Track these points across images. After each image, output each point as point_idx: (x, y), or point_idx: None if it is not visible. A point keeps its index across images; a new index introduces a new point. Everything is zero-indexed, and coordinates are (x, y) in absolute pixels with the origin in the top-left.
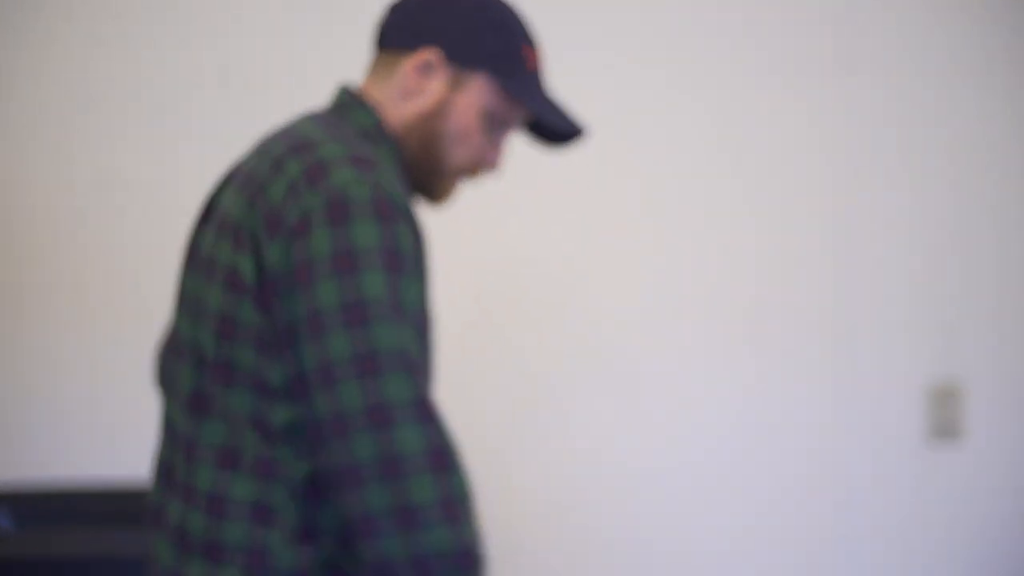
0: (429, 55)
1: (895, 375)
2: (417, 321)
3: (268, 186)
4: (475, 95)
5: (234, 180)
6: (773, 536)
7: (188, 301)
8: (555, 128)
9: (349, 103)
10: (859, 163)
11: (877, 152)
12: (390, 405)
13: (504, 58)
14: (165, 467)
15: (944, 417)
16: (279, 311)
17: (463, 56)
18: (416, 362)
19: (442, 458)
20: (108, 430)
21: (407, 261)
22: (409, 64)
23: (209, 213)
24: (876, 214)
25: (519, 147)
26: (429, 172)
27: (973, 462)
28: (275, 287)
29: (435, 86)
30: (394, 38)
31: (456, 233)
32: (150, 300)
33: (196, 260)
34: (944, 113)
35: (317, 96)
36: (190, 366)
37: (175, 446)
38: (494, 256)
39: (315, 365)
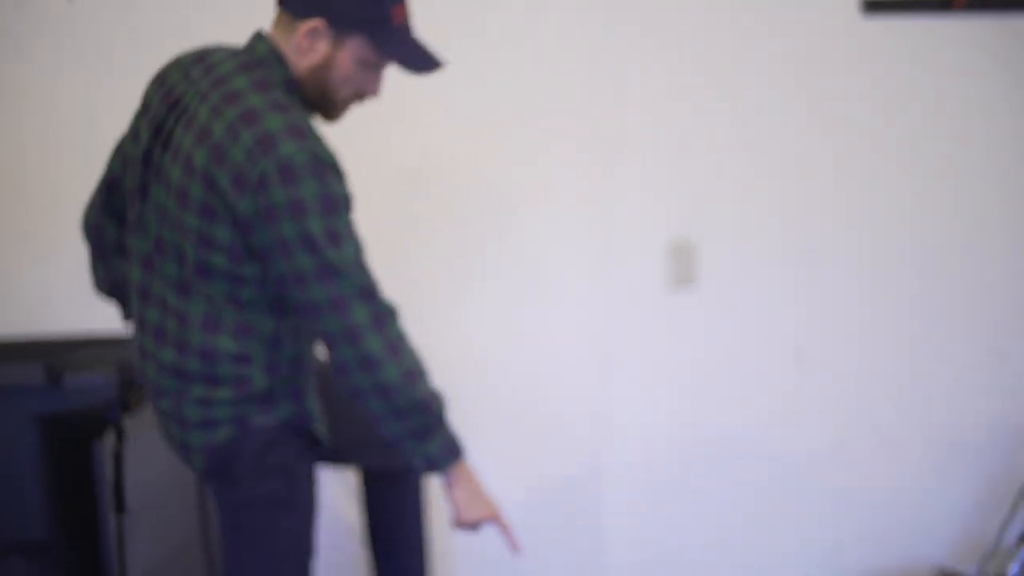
0: (316, 23)
1: (644, 234)
2: (347, 238)
3: (228, 150)
4: (351, 51)
5: (186, 122)
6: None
7: (157, 208)
8: (416, 67)
9: (268, 58)
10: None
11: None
12: (342, 295)
13: (374, 21)
14: (142, 320)
15: (681, 268)
16: (252, 238)
17: (341, 23)
18: (352, 267)
19: (382, 320)
20: None
21: (338, 201)
22: (302, 29)
23: (160, 133)
24: (635, 102)
25: None
26: (325, 106)
27: (704, 303)
28: (247, 225)
29: (321, 46)
30: (291, 5)
31: None
32: None
33: (163, 180)
34: None
35: None
36: (174, 261)
37: (163, 311)
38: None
39: (289, 273)
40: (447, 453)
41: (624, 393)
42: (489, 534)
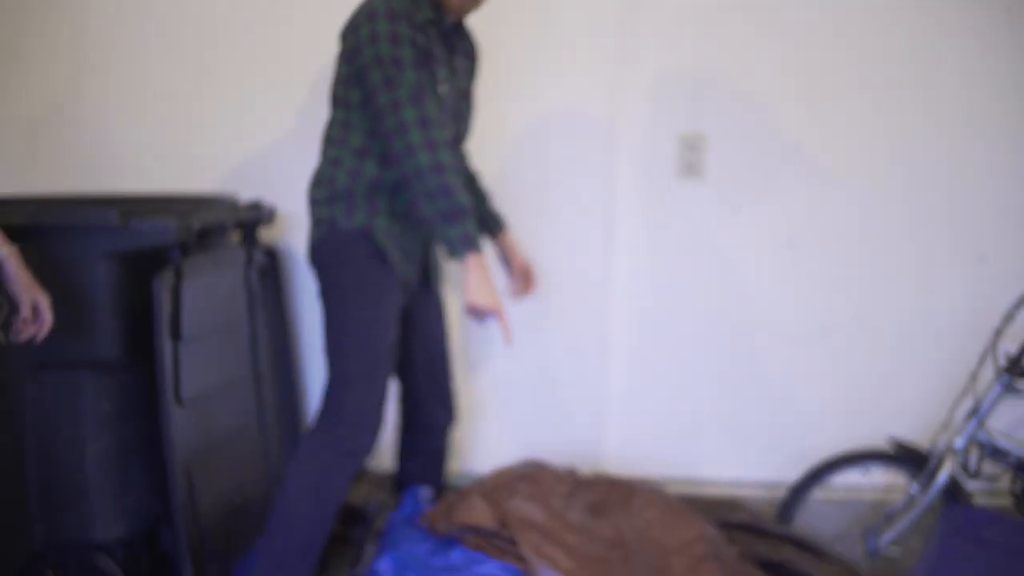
0: None
1: (657, 128)
2: (409, 65)
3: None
4: None
5: None
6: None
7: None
8: None
9: None
10: None
11: None
12: (398, 99)
13: None
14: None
15: (691, 160)
16: (353, 67)
17: None
18: (408, 80)
19: (425, 122)
20: None
21: (404, 39)
22: None
23: None
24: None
25: None
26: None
27: (709, 193)
28: (350, 57)
29: None
30: None
31: None
32: None
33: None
34: None
35: None
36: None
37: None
38: None
39: (369, 89)
40: (465, 241)
41: (628, 267)
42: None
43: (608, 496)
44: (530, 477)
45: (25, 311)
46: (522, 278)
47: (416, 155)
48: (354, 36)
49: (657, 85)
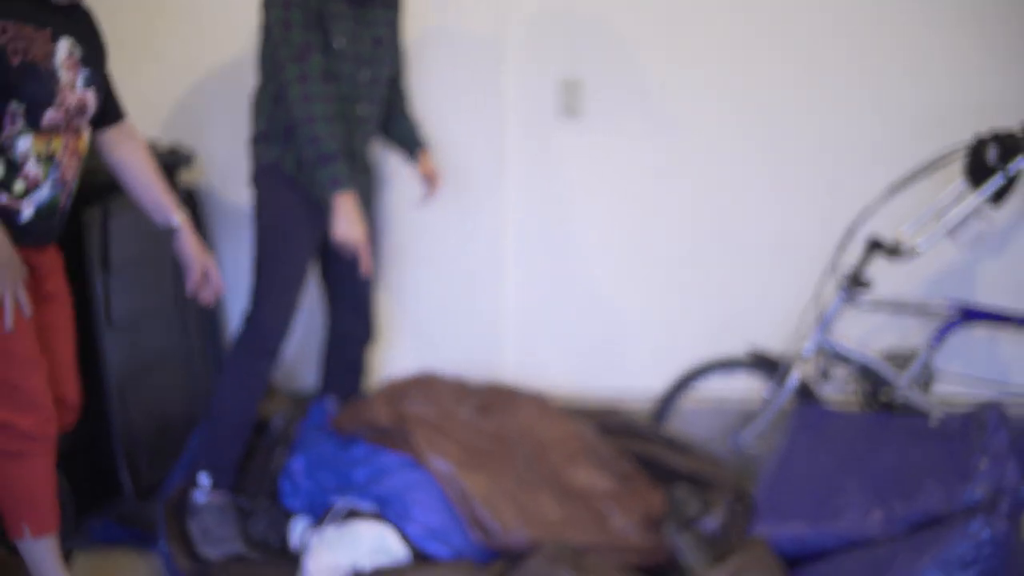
0: None
1: (538, 72)
2: (296, 26)
3: None
4: None
5: None
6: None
7: None
8: None
9: None
10: None
11: None
12: (288, 79)
13: None
14: None
15: (570, 101)
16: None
17: None
18: (302, 52)
19: (304, 78)
20: None
21: (294, 2)
22: None
23: None
24: None
25: None
26: None
27: (589, 131)
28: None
29: None
30: None
31: None
32: None
33: None
34: None
35: None
36: None
37: None
38: None
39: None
40: (332, 183)
41: (517, 197)
42: None
43: (494, 400)
44: (424, 383)
45: (196, 275)
46: (430, 184)
47: (294, 107)
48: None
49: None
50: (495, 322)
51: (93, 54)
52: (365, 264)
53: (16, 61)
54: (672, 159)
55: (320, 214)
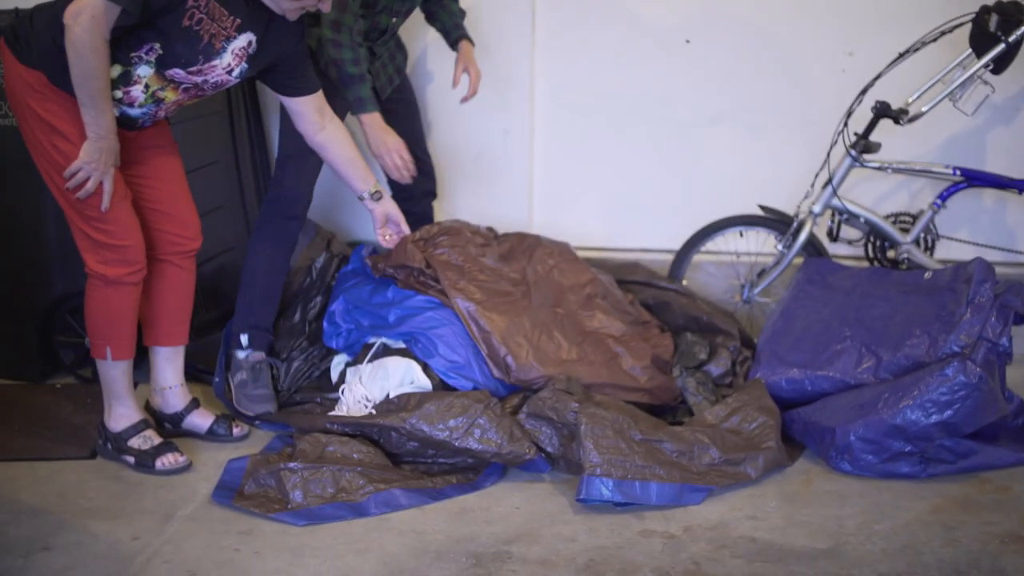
0: None
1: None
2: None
3: None
4: None
5: None
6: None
7: None
8: None
9: None
10: None
11: None
12: (324, 19)
13: None
14: None
15: None
16: None
17: None
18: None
19: (334, 20)
20: None
21: None
22: None
23: None
24: None
25: None
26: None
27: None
28: None
29: None
30: None
31: None
32: None
33: None
34: None
35: None
36: None
37: None
38: None
39: None
40: (357, 104)
41: (546, 67)
42: None
43: (517, 247)
44: (452, 230)
45: (379, 225)
46: (470, 80)
47: (324, 34)
48: None
49: None
50: (525, 181)
51: (265, 58)
52: (405, 170)
53: (185, 23)
54: (696, 26)
55: (341, 101)
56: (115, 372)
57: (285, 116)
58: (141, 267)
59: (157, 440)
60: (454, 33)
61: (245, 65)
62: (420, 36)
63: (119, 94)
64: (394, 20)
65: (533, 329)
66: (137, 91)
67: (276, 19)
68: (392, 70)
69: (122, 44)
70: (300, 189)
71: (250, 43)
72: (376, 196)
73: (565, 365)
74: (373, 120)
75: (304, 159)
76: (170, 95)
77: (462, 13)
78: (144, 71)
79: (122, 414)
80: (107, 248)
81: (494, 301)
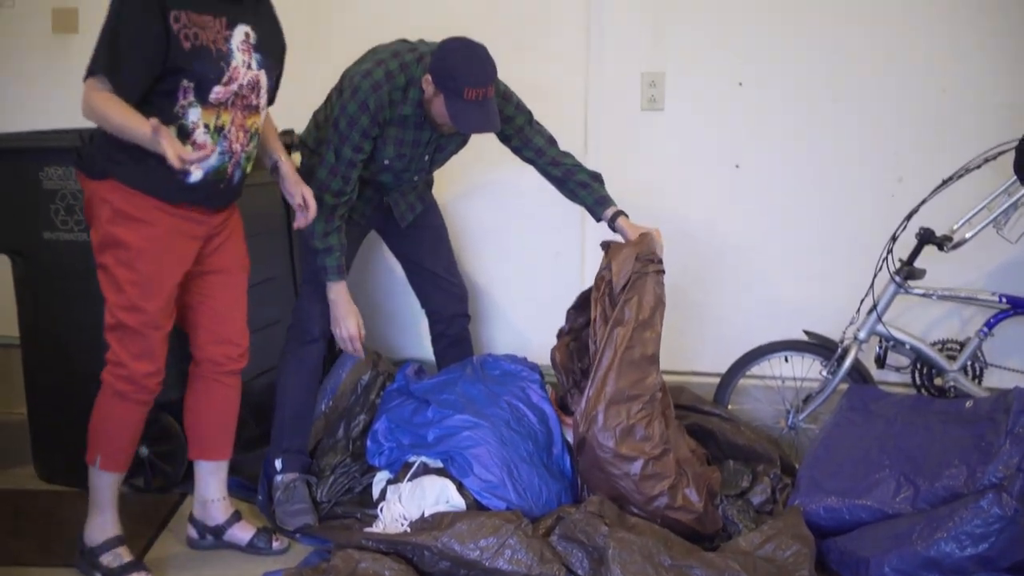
0: (428, 76)
1: (624, 65)
2: (349, 147)
3: None
4: (439, 100)
5: None
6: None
7: None
8: (468, 129)
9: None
10: None
11: None
12: (321, 181)
13: (451, 92)
14: None
15: (652, 94)
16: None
17: (437, 82)
18: (339, 167)
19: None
20: None
21: (357, 128)
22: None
23: None
24: None
25: None
26: (432, 122)
27: (668, 123)
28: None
29: (428, 87)
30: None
31: None
32: None
33: None
34: None
35: None
36: None
37: None
38: None
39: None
40: (322, 271)
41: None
42: None
43: None
44: None
45: (298, 200)
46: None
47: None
48: (338, 90)
49: (622, 31)
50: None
51: (268, 40)
52: (352, 350)
53: (187, 46)
54: (745, 150)
55: (356, 228)
56: (101, 482)
57: (302, 240)
58: (152, 391)
59: (127, 559)
60: (599, 203)
61: (258, 55)
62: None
63: (189, 148)
64: (416, 179)
65: None
66: (200, 135)
67: (257, 5)
68: (413, 198)
69: (163, 105)
70: (316, 313)
71: (247, 34)
72: (274, 169)
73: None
74: (336, 292)
75: (317, 283)
76: (226, 118)
77: (597, 177)
78: (194, 114)
79: (99, 525)
80: (137, 340)
81: None
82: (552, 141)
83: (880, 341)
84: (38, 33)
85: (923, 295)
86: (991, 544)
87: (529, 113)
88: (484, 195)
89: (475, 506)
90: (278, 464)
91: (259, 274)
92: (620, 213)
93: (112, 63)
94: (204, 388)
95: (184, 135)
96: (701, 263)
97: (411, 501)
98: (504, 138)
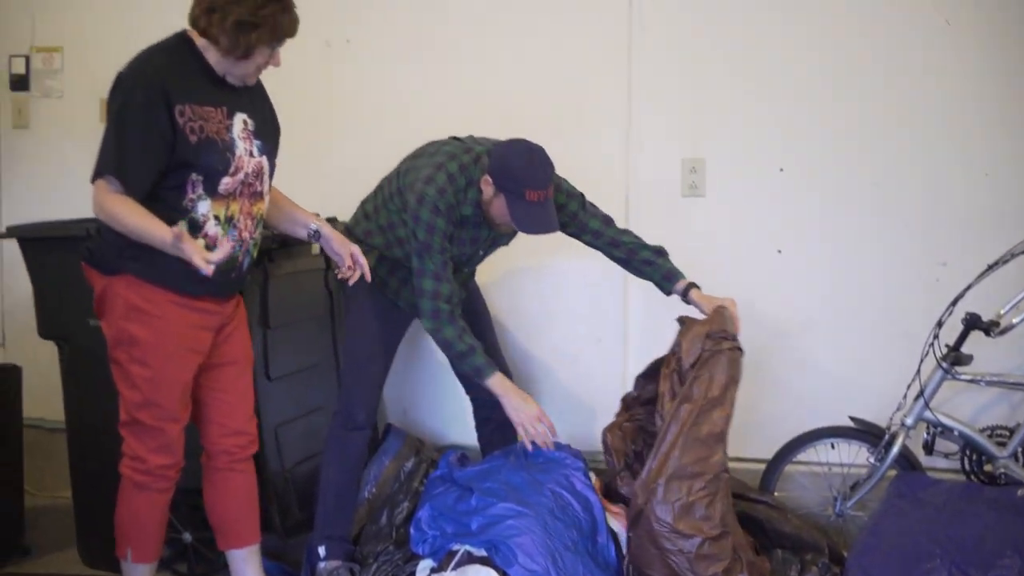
0: (488, 177)
1: (664, 152)
2: (436, 250)
3: None
4: (499, 201)
5: None
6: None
7: None
8: (529, 230)
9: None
10: None
11: None
12: (422, 289)
13: (513, 194)
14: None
15: (692, 180)
16: (397, 198)
17: (497, 184)
18: (437, 273)
19: (436, 297)
20: None
21: (438, 232)
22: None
23: None
24: (653, 38)
25: None
26: (490, 221)
27: (709, 209)
28: (399, 193)
29: (487, 189)
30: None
31: None
32: None
33: None
34: None
35: None
36: None
37: None
38: None
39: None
40: (477, 374)
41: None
42: None
43: None
44: None
45: (347, 262)
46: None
47: (421, 300)
48: (403, 198)
49: (661, 117)
50: (618, 390)
51: (265, 127)
52: (545, 437)
53: (194, 139)
54: (787, 236)
55: (401, 315)
56: (136, 574)
57: (345, 327)
58: (172, 479)
59: None
60: (664, 280)
61: (258, 141)
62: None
63: (201, 243)
64: (465, 271)
65: None
66: (212, 227)
67: (251, 91)
68: (457, 287)
69: (172, 199)
70: (360, 399)
71: (245, 122)
72: (316, 236)
73: None
74: (501, 384)
75: (361, 369)
76: (235, 208)
77: (662, 253)
78: (203, 207)
79: None
80: (154, 433)
81: None
82: (608, 221)
83: (928, 427)
84: (86, 122)
85: (971, 381)
86: None
87: (581, 196)
88: (525, 280)
89: None
90: (321, 551)
91: (302, 360)
92: (692, 286)
93: (120, 162)
94: (221, 480)
95: (195, 228)
96: (744, 348)
97: None
98: (560, 226)
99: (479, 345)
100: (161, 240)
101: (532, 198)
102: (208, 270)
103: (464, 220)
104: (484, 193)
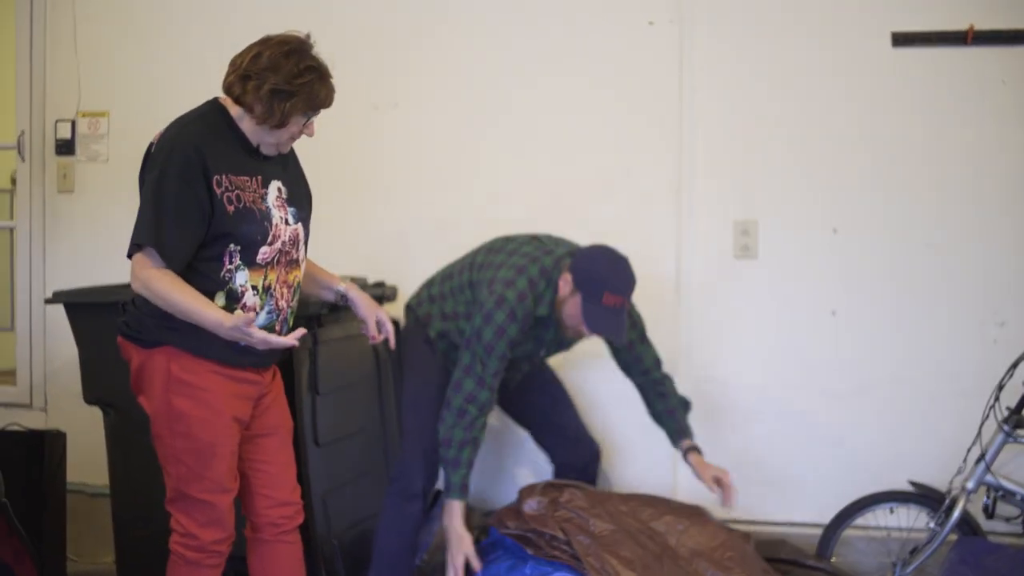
0: (568, 275)
1: (716, 213)
2: (496, 357)
3: None
4: (574, 301)
5: None
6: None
7: None
8: (599, 332)
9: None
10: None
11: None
12: (460, 383)
13: (591, 294)
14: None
15: (745, 242)
16: (471, 294)
17: (576, 282)
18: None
19: (470, 400)
20: None
21: (505, 337)
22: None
23: None
24: (708, 105)
25: None
26: (559, 322)
27: (761, 270)
28: (473, 291)
29: (565, 287)
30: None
31: None
32: None
33: None
34: None
35: None
36: None
37: None
38: None
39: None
40: (446, 487)
41: (696, 337)
42: None
43: (648, 507)
44: (585, 494)
45: (372, 324)
46: (717, 487)
47: (447, 406)
48: (475, 292)
49: (713, 180)
50: (669, 453)
51: (299, 193)
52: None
53: (231, 209)
54: (844, 297)
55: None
56: None
57: (402, 387)
58: (225, 553)
59: None
60: (681, 437)
61: (292, 209)
62: None
63: (240, 313)
64: (525, 367)
65: None
66: (250, 298)
67: (284, 158)
68: (527, 366)
69: (209, 270)
70: (419, 468)
71: (279, 190)
72: (343, 299)
73: None
74: (451, 514)
75: (421, 435)
76: (272, 277)
77: (686, 406)
78: (241, 277)
79: None
80: (203, 508)
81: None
82: (659, 363)
83: (988, 491)
84: (131, 187)
85: None
86: None
87: (643, 328)
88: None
89: None
90: None
91: (351, 426)
92: (694, 449)
93: (159, 235)
94: (269, 552)
95: (233, 299)
96: (800, 411)
97: None
98: (614, 351)
99: (469, 467)
100: (215, 323)
101: (609, 302)
102: (265, 347)
103: (538, 321)
104: (560, 291)
